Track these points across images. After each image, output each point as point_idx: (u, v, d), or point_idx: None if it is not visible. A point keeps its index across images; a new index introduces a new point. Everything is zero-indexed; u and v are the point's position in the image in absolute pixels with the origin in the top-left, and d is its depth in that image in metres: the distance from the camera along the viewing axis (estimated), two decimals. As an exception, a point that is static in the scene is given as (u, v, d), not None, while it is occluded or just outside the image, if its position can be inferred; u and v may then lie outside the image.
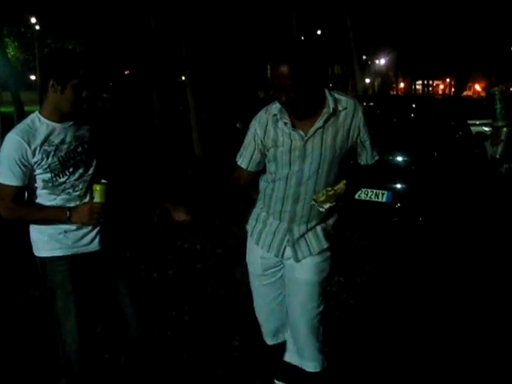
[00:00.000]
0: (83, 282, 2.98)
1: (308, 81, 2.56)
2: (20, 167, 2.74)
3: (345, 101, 2.74)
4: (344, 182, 2.60)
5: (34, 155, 2.76)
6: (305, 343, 2.91)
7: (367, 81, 37.42)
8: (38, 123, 2.82)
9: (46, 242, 2.90)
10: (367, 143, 2.83)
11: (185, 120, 15.17)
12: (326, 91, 2.71)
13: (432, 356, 3.80)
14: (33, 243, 2.96)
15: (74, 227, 2.89)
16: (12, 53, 36.65)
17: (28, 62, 43.79)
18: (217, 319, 4.38)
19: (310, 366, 2.95)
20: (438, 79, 63.88)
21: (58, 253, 2.90)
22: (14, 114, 21.46)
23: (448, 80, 62.88)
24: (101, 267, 3.06)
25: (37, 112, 2.89)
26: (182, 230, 6.95)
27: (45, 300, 3.14)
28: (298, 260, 2.85)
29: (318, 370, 2.93)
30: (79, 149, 2.90)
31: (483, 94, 40.65)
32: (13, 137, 2.76)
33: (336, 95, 2.73)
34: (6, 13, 25.29)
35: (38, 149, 2.77)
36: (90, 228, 2.94)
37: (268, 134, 2.77)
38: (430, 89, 58.43)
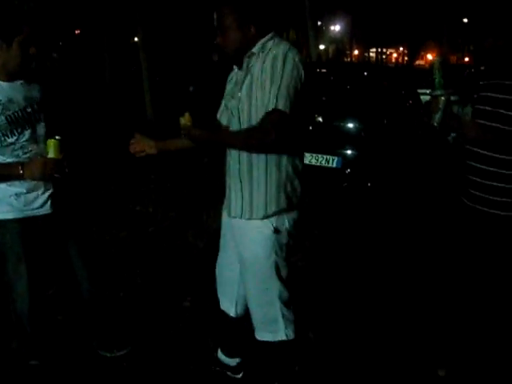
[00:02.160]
0: (34, 244, 3.00)
1: (230, 25, 2.56)
2: None
3: (270, 46, 2.57)
4: (187, 113, 2.54)
5: None
6: (251, 311, 2.86)
7: (321, 47, 37.46)
8: None
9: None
10: (267, 86, 2.47)
11: (137, 82, 14.96)
12: (267, 38, 2.59)
13: (377, 317, 3.95)
14: None
15: (24, 190, 2.89)
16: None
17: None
18: (168, 281, 4.44)
19: (259, 335, 2.86)
20: (391, 47, 64.30)
21: (9, 216, 2.90)
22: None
23: (401, 49, 63.41)
24: (52, 230, 3.08)
25: None
26: (134, 193, 6.96)
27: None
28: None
29: (265, 339, 2.84)
30: (28, 109, 2.88)
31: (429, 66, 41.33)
32: None
33: (270, 42, 2.58)
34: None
35: None
36: (41, 191, 2.94)
37: None
38: (384, 57, 58.83)
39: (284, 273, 2.74)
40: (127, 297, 4.19)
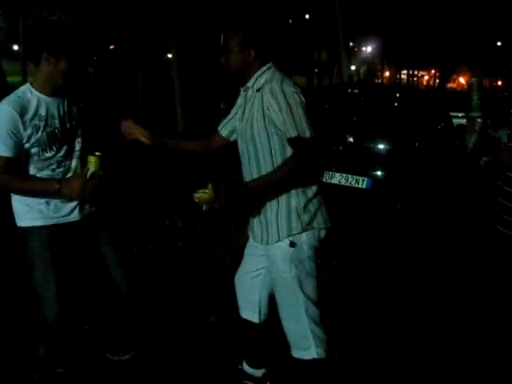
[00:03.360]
0: (62, 252, 3.03)
1: (232, 47, 2.72)
2: (12, 138, 2.73)
3: (264, 79, 2.74)
4: (210, 185, 2.47)
5: (25, 128, 2.77)
6: (284, 327, 2.88)
7: (353, 68, 37.48)
8: (30, 95, 2.83)
9: (26, 211, 2.93)
10: (279, 123, 2.62)
11: (169, 98, 15.12)
12: (262, 70, 2.75)
13: (409, 339, 3.91)
14: (14, 213, 2.99)
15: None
16: (-4, 21, 36.09)
17: (11, 32, 43.10)
18: (195, 295, 4.45)
19: (294, 352, 2.86)
20: (423, 70, 64.07)
21: (38, 223, 2.94)
22: (-3, 84, 21.17)
23: (433, 71, 63.17)
24: (81, 237, 3.11)
25: (28, 84, 2.89)
26: (163, 207, 7.01)
27: (25, 270, 3.18)
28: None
29: (299, 357, 2.84)
30: (67, 125, 2.94)
31: (467, 86, 41.04)
32: (5, 108, 2.75)
33: (265, 74, 2.74)
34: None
35: (29, 122, 2.78)
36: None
37: None
38: (415, 79, 58.64)
39: (309, 288, 2.77)
40: (153, 310, 4.20)
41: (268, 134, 2.67)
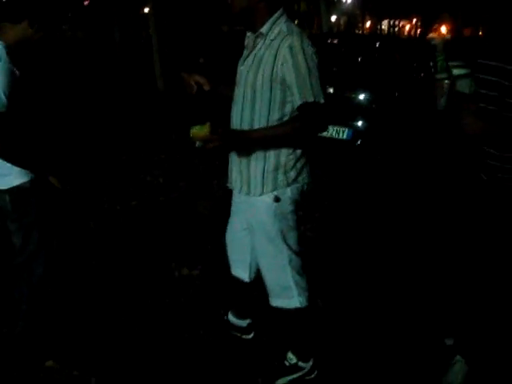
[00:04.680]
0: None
1: None
2: None
3: (280, 29, 2.58)
4: (208, 123, 2.47)
5: None
6: (264, 278, 2.89)
7: (333, 19, 37.03)
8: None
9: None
10: (293, 83, 2.53)
11: (147, 53, 14.90)
12: (276, 17, 2.60)
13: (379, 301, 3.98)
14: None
15: None
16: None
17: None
18: (178, 249, 4.48)
19: (274, 301, 2.88)
20: (404, 19, 63.45)
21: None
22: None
23: (414, 21, 62.61)
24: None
25: None
26: (145, 163, 6.99)
27: None
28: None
29: (278, 305, 2.86)
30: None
31: (449, 36, 40.74)
32: None
33: (280, 24, 2.59)
34: None
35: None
36: None
37: None
38: (396, 29, 58.13)
39: (292, 240, 2.78)
40: (136, 265, 4.22)
41: (271, 86, 2.56)
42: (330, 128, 6.83)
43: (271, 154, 2.65)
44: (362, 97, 7.06)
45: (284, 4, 2.64)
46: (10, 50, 2.77)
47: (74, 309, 3.55)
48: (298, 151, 2.68)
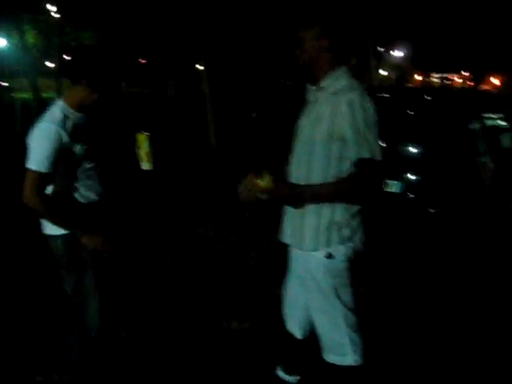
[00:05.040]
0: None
1: (311, 37, 2.62)
2: (54, 155, 2.83)
3: (341, 84, 2.60)
4: (267, 175, 2.51)
5: (67, 143, 2.88)
6: (318, 333, 2.85)
7: (383, 73, 37.22)
8: (67, 113, 2.94)
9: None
10: (350, 139, 2.53)
11: (200, 108, 15.25)
12: (339, 72, 2.64)
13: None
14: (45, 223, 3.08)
15: None
16: (31, 40, 36.82)
17: (46, 50, 43.94)
18: (228, 303, 4.48)
19: (327, 356, 2.82)
20: (454, 73, 63.29)
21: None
22: (33, 100, 21.61)
23: (466, 73, 62.33)
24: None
25: (62, 102, 2.98)
26: (195, 216, 7.08)
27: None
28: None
29: (332, 362, 2.80)
30: (94, 141, 3.07)
31: (501, 87, 40.28)
32: (49, 126, 2.86)
33: (341, 79, 2.62)
34: (26, 0, 25.40)
35: (69, 138, 2.90)
36: None
37: None
38: (447, 82, 57.97)
39: (346, 297, 2.72)
40: (187, 317, 4.24)
41: (329, 142, 2.56)
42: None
43: (326, 210, 2.63)
44: (413, 149, 7.02)
45: (348, 61, 2.71)
46: (72, 112, 2.95)
47: (127, 357, 3.57)
48: (354, 209, 2.65)
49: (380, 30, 23.53)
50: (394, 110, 8.01)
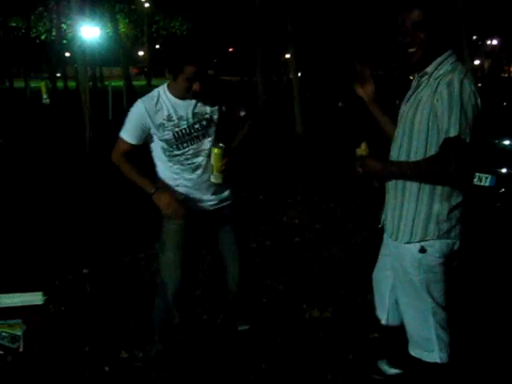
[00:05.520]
0: (192, 237, 3.27)
1: (429, 28, 2.51)
2: (138, 130, 3.07)
3: (444, 69, 2.53)
4: (364, 142, 2.67)
5: (153, 125, 3.04)
6: (405, 325, 2.82)
7: (477, 63, 35.96)
8: (163, 97, 3.08)
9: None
10: (445, 113, 2.43)
11: (287, 97, 15.27)
12: (444, 57, 2.55)
13: None
14: None
15: (191, 188, 3.18)
16: (123, 29, 37.98)
17: (137, 39, 45.25)
18: (311, 291, 4.47)
19: (413, 350, 2.79)
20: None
21: None
22: (124, 88, 22.34)
23: None
24: (210, 228, 3.32)
25: (165, 85, 3.12)
26: (281, 203, 7.12)
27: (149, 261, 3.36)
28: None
29: (417, 356, 2.76)
30: (197, 125, 3.11)
31: None
32: (139, 104, 3.09)
33: (447, 64, 2.54)
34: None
35: (158, 121, 3.04)
36: (207, 195, 3.23)
37: None
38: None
39: (437, 293, 2.65)
40: (269, 303, 4.28)
41: (429, 124, 2.50)
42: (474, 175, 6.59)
43: (424, 197, 2.56)
44: (506, 142, 6.77)
45: (453, 46, 2.60)
46: (171, 97, 3.07)
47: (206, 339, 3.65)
48: (453, 201, 2.57)
49: (475, 17, 22.68)
50: (486, 100, 7.75)
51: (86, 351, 3.53)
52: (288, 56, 18.54)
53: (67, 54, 42.71)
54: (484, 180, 6.57)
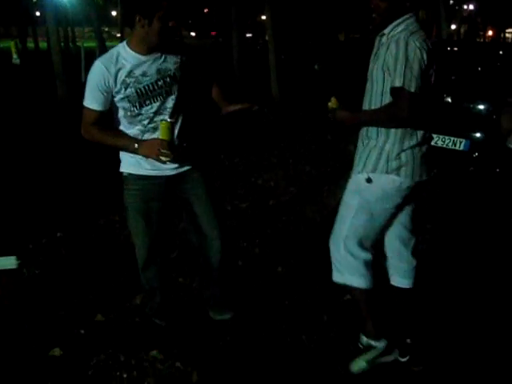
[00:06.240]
0: (157, 204, 3.15)
1: None
2: (102, 93, 2.89)
3: (399, 29, 2.81)
4: (334, 97, 2.96)
5: (115, 83, 2.88)
6: None
7: (453, 27, 35.94)
8: (124, 53, 2.91)
9: (126, 159, 3.08)
10: (392, 67, 2.74)
11: (263, 60, 15.12)
12: (402, 19, 2.83)
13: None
14: (121, 159, 3.13)
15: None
16: (95, -12, 37.11)
17: (110, -1, 44.29)
18: (286, 253, 4.50)
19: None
20: (529, 28, 60.42)
21: (133, 171, 3.07)
22: (97, 49, 21.92)
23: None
24: (176, 191, 3.20)
25: (124, 42, 2.96)
26: (256, 166, 7.10)
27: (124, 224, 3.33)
28: None
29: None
30: (160, 82, 2.96)
31: None
32: (97, 64, 2.90)
33: (402, 24, 2.82)
34: None
35: (119, 78, 2.88)
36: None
37: None
38: (521, 37, 55.54)
39: (359, 222, 2.95)
40: (245, 265, 4.30)
41: (384, 77, 2.81)
42: (447, 138, 6.64)
43: (380, 139, 2.88)
44: (481, 107, 6.79)
45: (414, 8, 2.93)
46: (131, 52, 2.91)
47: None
48: (405, 144, 2.84)
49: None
50: (463, 64, 7.75)
51: (61, 315, 3.53)
52: (264, 17, 18.30)
53: (37, 14, 41.68)
54: (458, 144, 6.62)
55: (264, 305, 3.72)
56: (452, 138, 6.64)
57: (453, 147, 6.64)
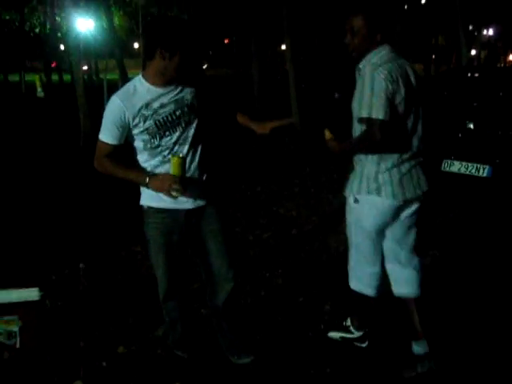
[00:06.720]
0: (177, 236, 3.13)
1: (364, 31, 3.06)
2: (117, 128, 2.91)
3: (371, 63, 3.03)
4: (326, 129, 3.20)
5: (132, 118, 2.90)
6: None
7: (473, 53, 35.89)
8: (141, 87, 2.93)
9: (147, 192, 3.04)
10: (357, 102, 3.05)
11: (283, 89, 15.21)
12: (374, 53, 3.07)
13: None
14: (141, 192, 3.13)
15: None
16: (117, 22, 37.78)
17: (132, 31, 45.07)
18: (309, 284, 4.47)
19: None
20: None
21: (153, 204, 3.06)
22: (119, 80, 22.26)
23: None
24: (194, 225, 3.17)
25: (140, 76, 2.98)
26: (278, 196, 7.10)
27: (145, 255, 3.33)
28: None
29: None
30: (178, 112, 2.98)
31: None
32: (114, 99, 2.93)
33: (374, 57, 3.05)
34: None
35: (137, 112, 2.90)
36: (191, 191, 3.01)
37: None
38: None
39: (360, 235, 3.28)
40: (268, 296, 4.27)
41: (357, 111, 3.06)
42: (469, 165, 6.58)
43: (361, 164, 3.18)
44: (504, 132, 6.74)
45: (386, 40, 3.10)
46: (149, 86, 2.94)
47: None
48: (382, 166, 3.09)
49: (471, 8, 22.64)
50: (484, 90, 7.72)
51: (83, 347, 3.52)
52: (284, 47, 18.46)
53: (62, 48, 42.53)
54: (482, 171, 6.55)
55: (287, 336, 3.68)
56: (475, 165, 6.58)
57: (476, 174, 6.58)
